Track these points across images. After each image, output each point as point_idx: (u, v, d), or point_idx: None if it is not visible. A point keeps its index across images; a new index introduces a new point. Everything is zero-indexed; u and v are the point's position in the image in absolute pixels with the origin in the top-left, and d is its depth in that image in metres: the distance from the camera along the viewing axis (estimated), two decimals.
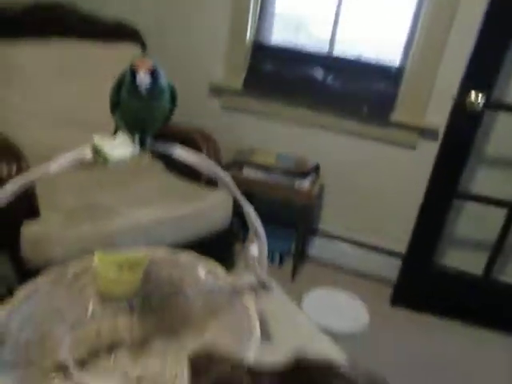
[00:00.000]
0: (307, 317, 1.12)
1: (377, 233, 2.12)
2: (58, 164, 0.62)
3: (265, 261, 0.89)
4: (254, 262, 0.88)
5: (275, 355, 0.85)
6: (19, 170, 1.25)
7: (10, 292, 1.46)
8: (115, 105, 0.63)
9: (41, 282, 0.87)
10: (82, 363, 0.89)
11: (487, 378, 1.64)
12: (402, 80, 1.90)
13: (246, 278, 0.93)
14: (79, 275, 0.94)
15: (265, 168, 1.92)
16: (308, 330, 1.07)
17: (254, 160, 1.95)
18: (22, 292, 0.83)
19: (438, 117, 1.81)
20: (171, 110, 0.68)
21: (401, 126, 1.90)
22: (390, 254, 2.10)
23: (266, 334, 0.98)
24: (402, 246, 1.97)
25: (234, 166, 1.97)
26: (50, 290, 0.88)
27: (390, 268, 2.03)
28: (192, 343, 0.97)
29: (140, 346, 0.96)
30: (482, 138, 1.81)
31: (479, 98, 1.62)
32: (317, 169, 2.02)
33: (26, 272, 1.27)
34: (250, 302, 0.90)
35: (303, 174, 1.91)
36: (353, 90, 1.98)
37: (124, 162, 0.63)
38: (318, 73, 2.02)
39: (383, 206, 2.06)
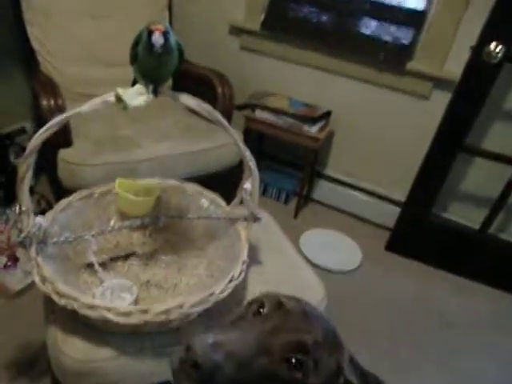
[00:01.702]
0: (294, 248, 1.30)
1: (380, 181, 2.21)
2: (89, 106, 0.78)
3: (256, 196, 1.06)
4: (247, 197, 1.04)
5: (266, 285, 1.04)
6: (56, 104, 1.44)
7: (50, 206, 1.72)
8: (133, 59, 0.78)
9: (74, 199, 1.07)
10: (104, 265, 1.11)
11: (466, 324, 1.74)
12: (424, 26, 1.85)
13: (240, 209, 1.10)
14: (104, 195, 1.14)
15: (276, 111, 2.03)
16: (295, 259, 1.26)
17: (268, 102, 2.05)
18: (60, 205, 1.03)
19: (456, 67, 1.76)
20: (179, 64, 0.82)
21: (417, 75, 1.89)
22: (391, 201, 2.20)
23: (256, 260, 1.18)
24: (403, 196, 2.06)
25: (248, 107, 2.09)
26: (81, 206, 1.08)
27: (389, 215, 2.14)
28: (191, 259, 1.18)
29: (149, 257, 1.18)
30: (497, 93, 1.76)
31: (498, 49, 1.57)
32: (328, 115, 2.11)
33: (62, 191, 1.49)
34: (242, 229, 1.08)
35: (313, 120, 2.01)
36: (371, 36, 1.95)
37: (140, 107, 0.79)
38: (337, 16, 2.01)
39: (389, 155, 2.13)
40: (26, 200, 0.82)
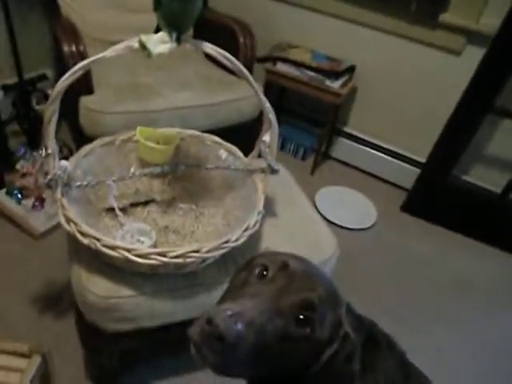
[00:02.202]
0: (309, 202, 1.32)
1: (401, 141, 2.17)
2: (113, 51, 0.78)
3: (275, 148, 1.07)
4: (265, 149, 1.05)
5: (280, 236, 1.06)
6: (78, 50, 1.44)
7: (71, 154, 1.77)
8: (157, 4, 0.77)
9: (96, 145, 1.10)
10: (124, 210, 1.15)
11: (479, 288, 1.74)
12: None
13: (258, 161, 1.12)
14: (125, 142, 1.17)
15: (298, 64, 1.98)
16: (309, 213, 1.28)
17: (290, 55, 2.00)
18: (83, 151, 1.06)
19: (494, 20, 1.65)
20: (202, 10, 0.81)
21: (450, 28, 1.79)
22: (410, 162, 2.16)
23: (272, 212, 1.20)
24: (423, 157, 2.04)
25: (269, 59, 2.04)
26: (103, 152, 1.11)
27: (407, 176, 2.12)
28: (209, 208, 1.21)
29: (168, 204, 1.21)
30: None
31: None
32: (351, 70, 2.05)
33: (83, 139, 1.51)
34: (259, 181, 1.10)
35: (335, 74, 1.96)
36: None
37: (162, 55, 0.79)
38: None
39: (413, 114, 2.07)
40: (51, 143, 0.85)
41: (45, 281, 1.42)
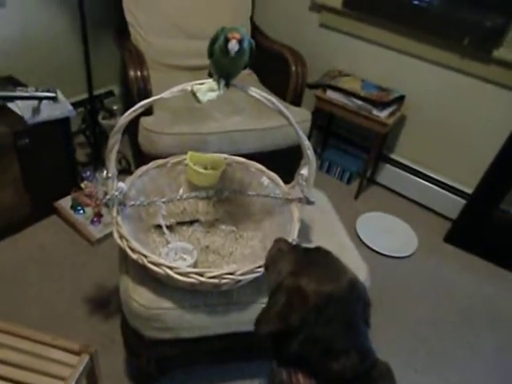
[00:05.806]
0: (345, 230, 1.36)
1: (448, 171, 2.15)
2: (170, 93, 0.89)
3: (312, 181, 1.14)
4: (302, 181, 1.12)
5: None
6: (142, 75, 1.58)
7: (129, 165, 1.90)
8: (210, 55, 0.87)
9: (150, 167, 1.22)
10: (171, 228, 1.26)
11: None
12: None
13: (296, 190, 1.19)
14: (176, 165, 1.28)
15: (348, 93, 2.04)
16: (343, 240, 1.32)
17: (340, 83, 2.05)
18: (138, 172, 1.18)
19: None
20: (250, 60, 0.91)
21: (504, 63, 1.79)
22: (457, 192, 2.14)
23: (307, 238, 1.26)
24: (469, 187, 2.02)
25: (320, 86, 2.11)
26: (155, 174, 1.23)
27: (453, 206, 2.10)
28: (248, 232, 1.29)
29: (211, 225, 1.31)
30: None
31: None
32: (400, 99, 2.08)
33: (140, 154, 1.66)
34: (296, 210, 1.17)
35: (383, 104, 1.99)
36: (457, 18, 1.85)
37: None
38: None
39: (461, 145, 2.06)
40: (112, 168, 0.97)
41: (97, 284, 1.55)
